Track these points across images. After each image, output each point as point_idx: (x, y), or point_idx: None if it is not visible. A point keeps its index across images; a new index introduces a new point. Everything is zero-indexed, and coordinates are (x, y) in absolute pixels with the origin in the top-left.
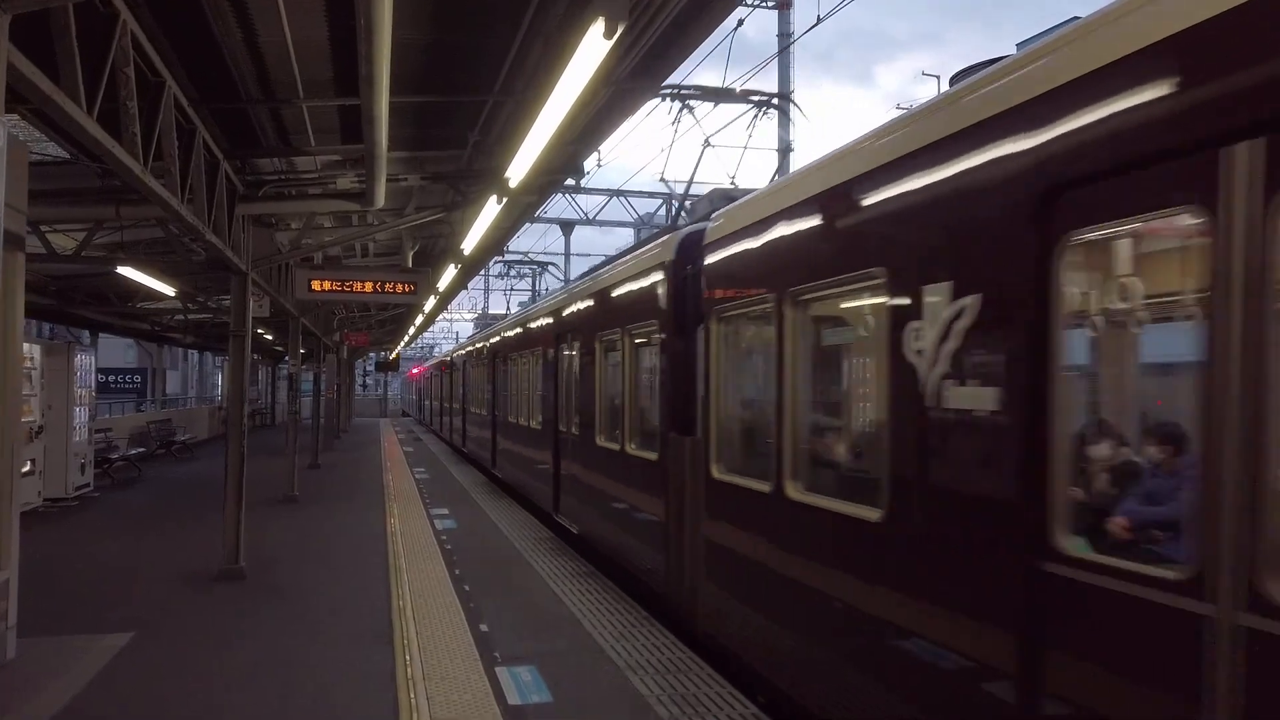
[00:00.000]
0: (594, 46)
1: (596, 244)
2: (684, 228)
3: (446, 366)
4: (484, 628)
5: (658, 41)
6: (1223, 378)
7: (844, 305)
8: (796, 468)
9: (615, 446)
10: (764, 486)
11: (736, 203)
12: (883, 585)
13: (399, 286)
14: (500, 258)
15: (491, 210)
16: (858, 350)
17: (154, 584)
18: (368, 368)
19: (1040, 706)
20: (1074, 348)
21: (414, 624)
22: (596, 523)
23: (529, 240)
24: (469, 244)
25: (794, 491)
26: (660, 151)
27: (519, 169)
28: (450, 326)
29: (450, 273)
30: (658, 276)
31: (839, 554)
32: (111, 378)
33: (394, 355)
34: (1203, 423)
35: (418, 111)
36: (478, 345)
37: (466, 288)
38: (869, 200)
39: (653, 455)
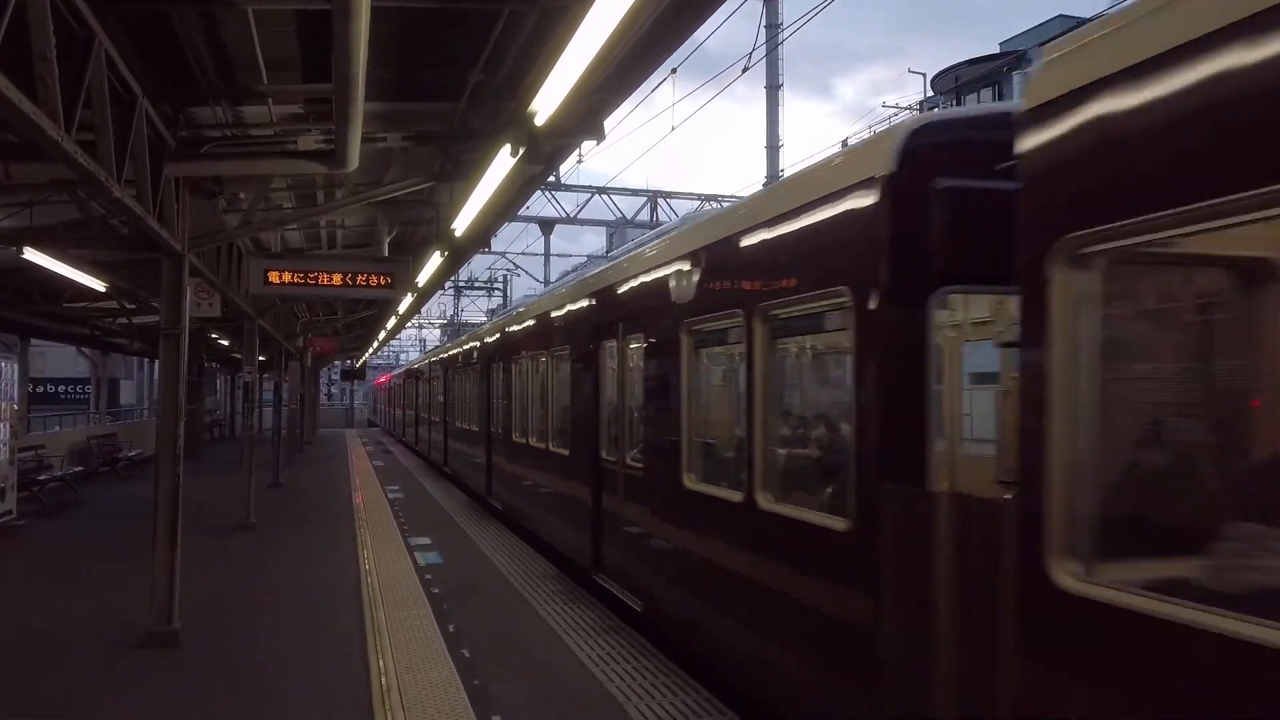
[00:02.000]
0: None
1: (567, 249)
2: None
3: (424, 374)
4: None
5: None
6: None
7: None
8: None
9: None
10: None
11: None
12: None
13: (373, 279)
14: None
15: (503, 166)
16: None
17: (61, 653)
18: (333, 376)
19: None
20: None
21: (404, 717)
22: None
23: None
24: (464, 220)
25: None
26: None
27: (547, 102)
28: (418, 334)
29: (434, 262)
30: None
31: None
32: (61, 388)
33: (360, 363)
34: None
35: (402, 42)
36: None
37: (444, 287)
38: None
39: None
